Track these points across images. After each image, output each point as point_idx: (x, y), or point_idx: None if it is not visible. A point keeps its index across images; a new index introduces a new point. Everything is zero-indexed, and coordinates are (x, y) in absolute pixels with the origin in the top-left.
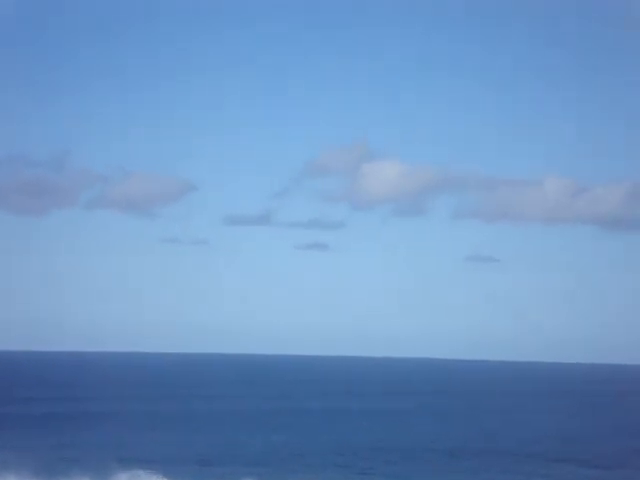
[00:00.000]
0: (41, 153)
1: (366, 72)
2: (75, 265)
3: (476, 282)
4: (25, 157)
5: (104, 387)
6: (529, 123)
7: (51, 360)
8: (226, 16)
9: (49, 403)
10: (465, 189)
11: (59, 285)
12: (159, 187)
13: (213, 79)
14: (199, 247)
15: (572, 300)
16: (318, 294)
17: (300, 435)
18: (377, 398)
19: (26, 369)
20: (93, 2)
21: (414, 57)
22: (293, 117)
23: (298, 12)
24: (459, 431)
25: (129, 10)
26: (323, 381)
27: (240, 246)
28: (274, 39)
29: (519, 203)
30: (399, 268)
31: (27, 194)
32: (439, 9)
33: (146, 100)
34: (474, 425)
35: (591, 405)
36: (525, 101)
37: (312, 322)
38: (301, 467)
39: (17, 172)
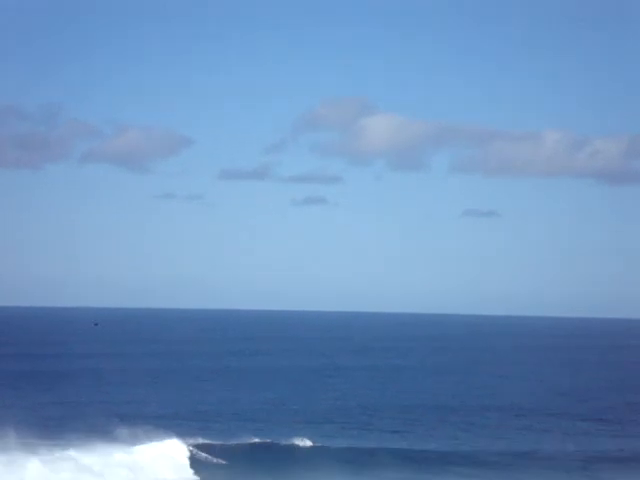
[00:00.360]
0: (33, 106)
1: (364, 25)
2: (69, 220)
3: (475, 236)
4: (17, 110)
5: (99, 343)
6: (528, 75)
7: (45, 315)
8: None
9: (43, 359)
10: (463, 143)
11: (53, 240)
12: (154, 141)
13: (211, 32)
14: (194, 202)
15: (571, 253)
16: (316, 248)
17: (296, 392)
18: (376, 354)
19: (19, 325)
20: None
21: (412, 9)
22: (289, 70)
23: None
24: (458, 386)
25: None
26: (321, 337)
27: (236, 201)
28: None
29: (518, 156)
30: (397, 222)
31: (20, 147)
32: None
33: (141, 54)
34: (472, 380)
35: (587, 359)
36: (524, 54)
37: (310, 277)
38: (298, 423)
39: (9, 125)
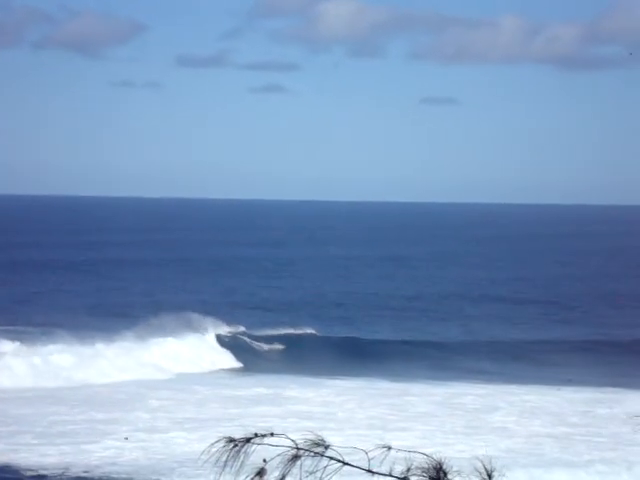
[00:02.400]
0: None
1: None
2: (25, 106)
3: (433, 124)
4: None
5: (66, 233)
6: None
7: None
8: None
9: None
10: (421, 29)
11: (10, 128)
12: (107, 27)
13: None
14: (152, 90)
15: (529, 140)
16: (275, 136)
17: (290, 282)
18: (349, 244)
19: None
20: None
21: None
22: None
23: None
24: (443, 277)
25: None
26: (293, 227)
27: (194, 88)
28: None
29: (476, 43)
30: (355, 110)
31: None
32: None
33: None
34: (439, 270)
35: (556, 247)
36: None
37: (268, 164)
38: (300, 315)
39: None
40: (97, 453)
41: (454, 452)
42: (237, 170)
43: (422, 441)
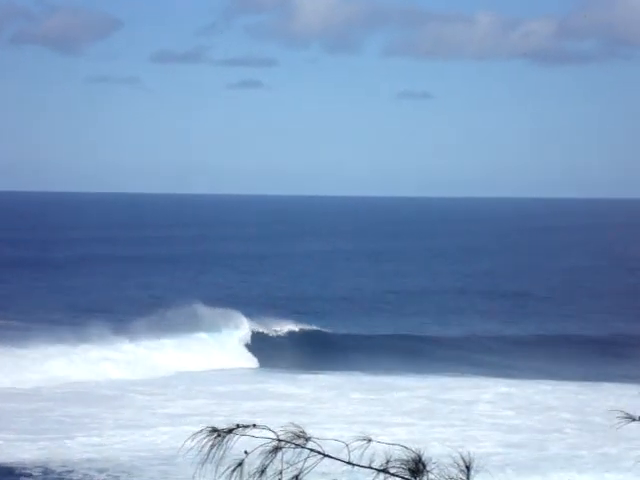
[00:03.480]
0: None
1: None
2: (0, 102)
3: (410, 118)
4: None
5: (51, 229)
6: None
7: None
8: None
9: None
10: (397, 24)
11: None
12: (84, 23)
13: None
14: (129, 86)
15: (504, 133)
16: (253, 131)
17: (273, 277)
18: (330, 238)
19: None
20: None
21: None
22: None
23: None
24: (421, 271)
25: None
26: (271, 222)
27: (171, 84)
28: None
29: (451, 38)
30: (332, 105)
31: None
32: None
33: None
34: (428, 265)
35: (538, 240)
36: None
37: (246, 160)
38: (282, 310)
39: None
40: (77, 449)
41: (458, 449)
42: (216, 165)
43: (423, 436)
